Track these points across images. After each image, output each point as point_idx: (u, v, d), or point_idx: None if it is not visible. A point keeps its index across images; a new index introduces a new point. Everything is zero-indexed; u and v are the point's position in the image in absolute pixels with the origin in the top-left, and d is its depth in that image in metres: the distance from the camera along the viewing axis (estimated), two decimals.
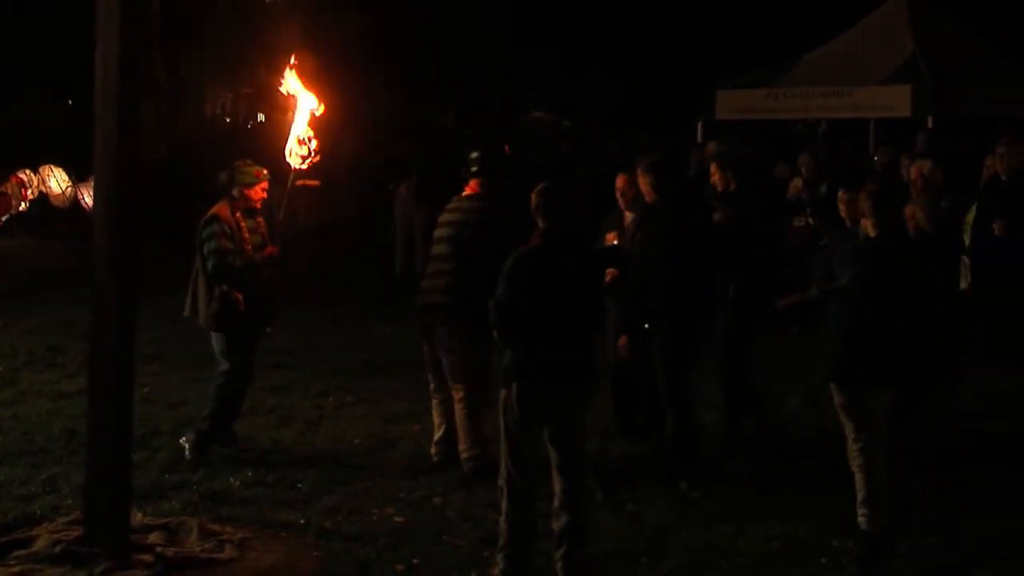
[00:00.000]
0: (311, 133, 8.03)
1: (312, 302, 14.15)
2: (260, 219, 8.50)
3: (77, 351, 11.06)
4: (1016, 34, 20.79)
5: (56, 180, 21.29)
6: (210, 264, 8.26)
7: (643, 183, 8.33)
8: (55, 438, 8.68)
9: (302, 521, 7.13)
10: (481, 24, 24.96)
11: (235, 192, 8.43)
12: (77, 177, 20.87)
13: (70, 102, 28.95)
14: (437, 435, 8.41)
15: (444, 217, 8.44)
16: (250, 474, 7.95)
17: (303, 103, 8.02)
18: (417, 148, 18.66)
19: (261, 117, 35.05)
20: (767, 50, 20.55)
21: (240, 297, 8.26)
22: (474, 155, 8.45)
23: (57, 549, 6.34)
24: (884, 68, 16.97)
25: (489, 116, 25.24)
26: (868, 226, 6.94)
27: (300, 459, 8.34)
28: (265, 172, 8.46)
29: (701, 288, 8.10)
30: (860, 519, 6.73)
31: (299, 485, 7.83)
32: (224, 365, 8.43)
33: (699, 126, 18.45)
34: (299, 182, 8.37)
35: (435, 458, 8.35)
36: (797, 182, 13.50)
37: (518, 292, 6.31)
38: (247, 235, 8.39)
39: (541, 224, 6.49)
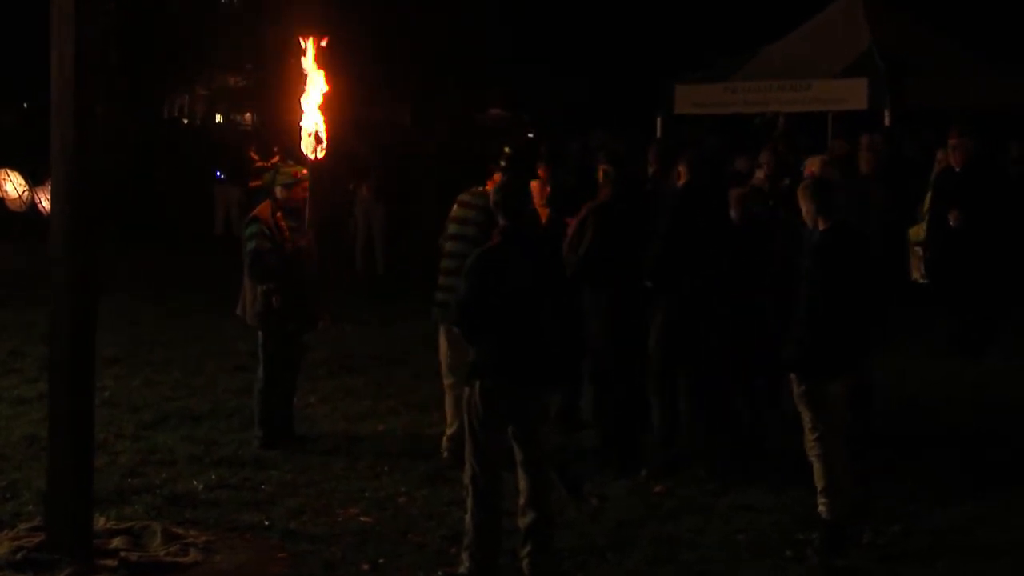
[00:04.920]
0: (321, 120, 8.03)
1: None
2: (305, 218, 8.51)
3: (36, 355, 10.96)
4: (970, 27, 20.98)
5: (12, 184, 21.10)
6: (248, 264, 8.44)
7: (602, 176, 8.42)
8: (15, 444, 8.60)
9: (267, 523, 7.11)
10: (438, 20, 24.91)
11: (277, 192, 8.58)
12: (34, 181, 20.68)
13: (25, 105, 28.69)
14: (450, 431, 8.18)
15: (459, 212, 8.19)
16: (213, 477, 7.92)
17: (311, 93, 8.01)
18: (375, 147, 18.57)
19: (219, 118, 34.87)
20: (725, 44, 20.63)
21: (277, 297, 8.39)
22: (507, 151, 8.35)
23: (19, 556, 6.30)
24: (840, 61, 17.07)
25: (447, 113, 25.18)
26: (818, 220, 6.97)
27: (263, 461, 8.30)
28: (305, 172, 8.46)
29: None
30: (820, 508, 6.78)
31: (263, 487, 7.80)
32: (260, 370, 8.65)
33: (658, 121, 18.50)
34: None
35: (444, 453, 8.19)
36: (760, 175, 13.54)
37: (479, 289, 6.31)
38: (288, 234, 8.48)
39: (501, 221, 6.50)
